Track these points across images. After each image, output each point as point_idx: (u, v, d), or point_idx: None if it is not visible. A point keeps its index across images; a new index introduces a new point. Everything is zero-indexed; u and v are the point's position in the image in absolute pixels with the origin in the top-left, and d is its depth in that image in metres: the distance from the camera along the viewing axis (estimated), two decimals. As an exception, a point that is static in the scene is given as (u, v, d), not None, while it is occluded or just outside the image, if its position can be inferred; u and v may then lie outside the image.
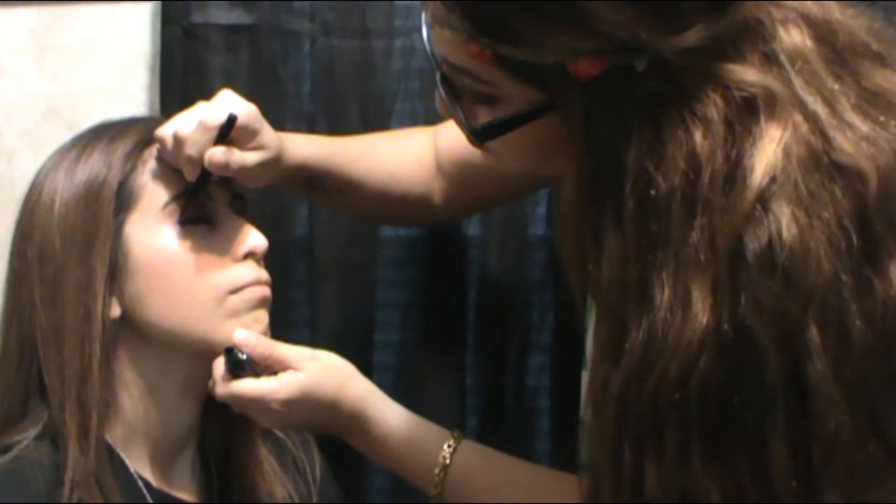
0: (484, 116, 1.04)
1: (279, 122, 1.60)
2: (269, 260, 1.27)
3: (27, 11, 1.66)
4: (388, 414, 1.23)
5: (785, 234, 0.91)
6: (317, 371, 1.21)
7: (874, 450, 0.94)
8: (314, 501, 1.37)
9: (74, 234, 1.20)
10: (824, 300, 0.92)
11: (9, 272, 1.25)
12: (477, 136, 1.05)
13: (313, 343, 1.33)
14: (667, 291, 0.93)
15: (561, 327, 1.56)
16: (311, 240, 1.61)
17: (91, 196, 1.21)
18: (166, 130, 1.22)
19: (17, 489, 1.17)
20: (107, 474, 1.18)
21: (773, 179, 0.93)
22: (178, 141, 1.20)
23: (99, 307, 1.19)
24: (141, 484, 1.24)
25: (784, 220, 0.92)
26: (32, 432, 1.20)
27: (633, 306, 0.95)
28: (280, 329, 1.28)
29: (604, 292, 0.98)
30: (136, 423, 1.24)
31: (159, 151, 1.24)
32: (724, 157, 0.94)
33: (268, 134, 1.26)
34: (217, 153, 1.20)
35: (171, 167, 1.24)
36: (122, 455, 1.23)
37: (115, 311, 1.21)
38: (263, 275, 1.26)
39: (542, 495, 1.20)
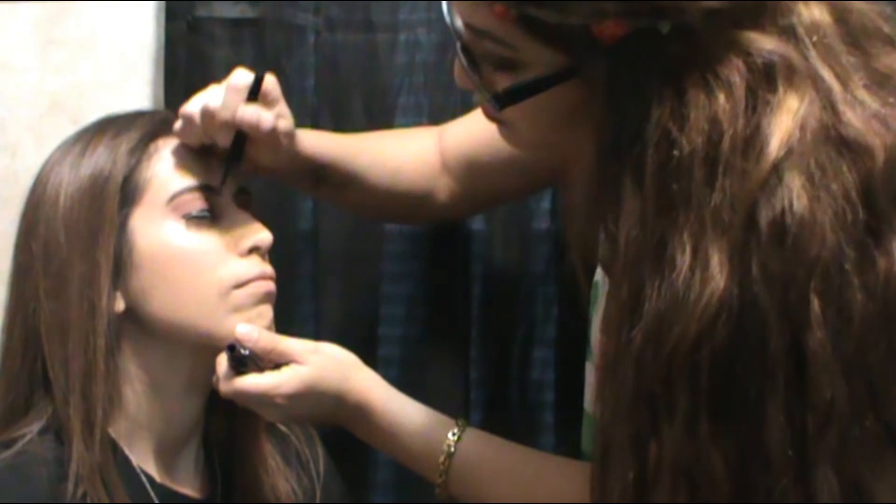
0: (504, 83, 1.04)
1: (283, 116, 1.60)
2: (273, 254, 1.27)
3: (31, 5, 1.65)
4: (393, 404, 1.23)
5: (796, 205, 0.92)
6: (320, 364, 1.21)
7: (870, 425, 0.95)
8: (317, 496, 1.37)
9: (79, 228, 1.20)
10: (827, 272, 0.93)
11: (13, 266, 1.25)
12: (498, 101, 1.05)
13: (318, 337, 1.33)
14: (687, 252, 0.94)
15: (565, 321, 1.56)
16: (315, 234, 1.60)
17: (96, 190, 1.21)
18: (192, 107, 1.22)
19: (21, 484, 1.17)
20: (111, 469, 1.19)
21: (789, 151, 0.94)
22: (209, 112, 1.20)
23: (103, 301, 1.19)
24: (144, 479, 1.24)
25: (795, 190, 0.93)
26: (36, 426, 1.20)
27: (651, 267, 0.96)
28: (284, 323, 1.28)
29: (622, 254, 0.98)
30: (139, 418, 1.24)
31: (180, 134, 1.23)
32: (744, 123, 0.95)
33: (286, 107, 1.27)
34: (249, 110, 1.20)
35: (177, 161, 1.24)
36: (126, 450, 1.23)
37: (120, 305, 1.21)
38: (268, 269, 1.26)
39: (548, 481, 1.21)
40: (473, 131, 1.40)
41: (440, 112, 1.58)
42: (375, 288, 1.60)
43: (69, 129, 1.30)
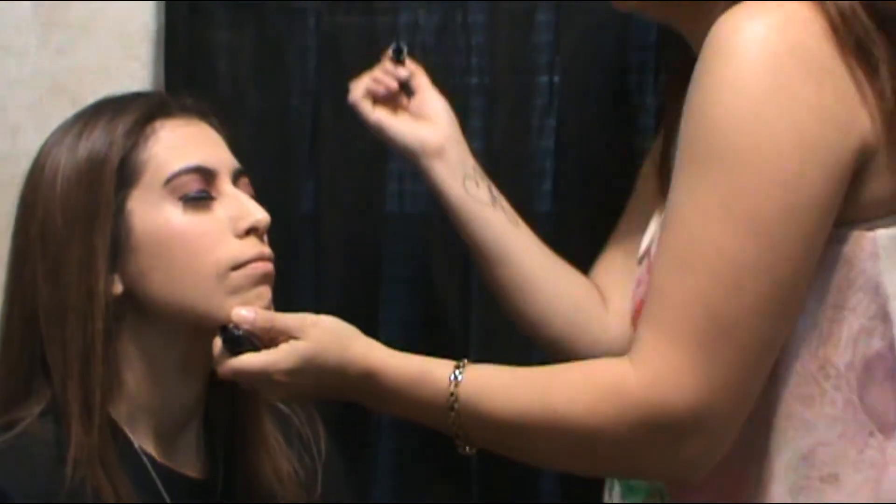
0: None
1: (284, 99, 1.61)
2: (274, 236, 1.27)
3: (31, -13, 1.66)
4: (394, 360, 1.20)
5: None
6: (318, 337, 1.19)
7: None
8: (319, 476, 1.37)
9: (76, 211, 1.20)
10: None
11: (11, 249, 1.25)
12: None
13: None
14: None
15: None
16: (316, 216, 1.61)
17: (93, 173, 1.21)
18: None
19: (22, 465, 1.18)
20: (110, 452, 1.19)
21: None
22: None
23: (101, 285, 1.19)
24: (145, 459, 1.24)
25: None
26: (37, 409, 1.21)
27: None
28: (285, 305, 1.27)
29: None
30: (139, 400, 1.24)
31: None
32: None
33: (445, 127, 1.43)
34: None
35: (174, 142, 1.24)
36: (127, 431, 1.24)
37: (118, 288, 1.21)
38: (266, 250, 1.25)
39: (560, 382, 1.17)
40: (613, 241, 1.46)
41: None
42: (376, 270, 1.60)
43: (69, 112, 1.30)
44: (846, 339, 1.13)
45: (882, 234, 1.13)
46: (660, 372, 1.09)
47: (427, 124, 1.43)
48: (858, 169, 1.11)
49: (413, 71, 1.45)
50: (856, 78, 1.11)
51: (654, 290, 1.13)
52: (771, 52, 1.08)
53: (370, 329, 1.53)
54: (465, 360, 1.19)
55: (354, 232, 1.61)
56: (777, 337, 1.11)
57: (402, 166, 1.59)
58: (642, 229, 1.37)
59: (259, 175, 1.33)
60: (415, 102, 1.45)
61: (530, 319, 1.44)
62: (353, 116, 1.59)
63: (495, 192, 1.43)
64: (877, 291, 1.12)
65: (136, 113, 1.24)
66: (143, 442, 1.25)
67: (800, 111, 1.08)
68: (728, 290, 1.08)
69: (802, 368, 1.13)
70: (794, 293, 1.10)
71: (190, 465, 1.30)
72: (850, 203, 1.11)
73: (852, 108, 1.10)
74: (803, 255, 1.09)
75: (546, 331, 1.44)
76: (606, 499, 1.34)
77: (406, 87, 1.44)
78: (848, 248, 1.12)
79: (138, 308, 1.22)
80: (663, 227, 1.14)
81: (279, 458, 1.34)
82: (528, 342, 1.58)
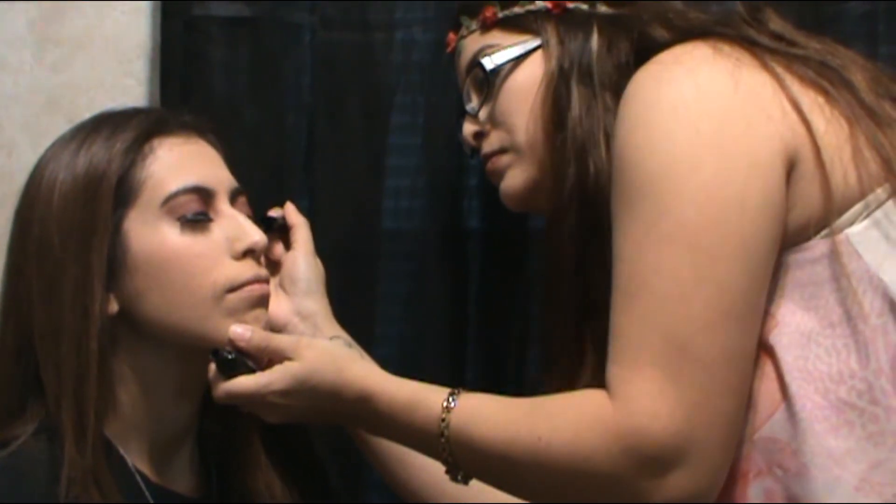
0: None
1: (279, 116, 1.61)
2: (270, 254, 1.27)
3: (26, 4, 1.65)
4: (390, 385, 1.20)
5: None
6: (312, 358, 1.19)
7: None
8: (313, 495, 1.37)
9: (73, 229, 1.20)
10: None
11: (7, 265, 1.25)
12: (493, 72, 1.30)
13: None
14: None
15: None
16: (312, 232, 1.60)
17: (90, 190, 1.20)
18: None
19: (16, 484, 1.17)
20: (104, 472, 1.18)
21: None
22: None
23: (97, 304, 1.18)
24: (139, 478, 1.24)
25: None
26: (31, 428, 1.20)
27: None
28: (281, 323, 1.28)
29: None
30: (134, 419, 1.24)
31: None
32: None
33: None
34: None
35: (173, 161, 1.23)
36: (121, 450, 1.23)
37: (114, 307, 1.21)
38: (262, 272, 1.25)
39: (546, 407, 1.16)
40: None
41: (437, 111, 1.58)
42: (372, 287, 1.60)
43: (65, 128, 1.30)
44: (864, 347, 1.09)
45: (851, 232, 1.11)
46: (634, 403, 1.07)
47: (280, 296, 1.34)
48: (789, 175, 1.10)
49: (296, 224, 1.37)
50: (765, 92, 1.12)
51: (612, 330, 1.12)
52: (679, 95, 1.11)
53: (366, 345, 1.54)
54: (461, 388, 1.18)
55: (350, 248, 1.61)
56: (739, 350, 1.09)
57: (398, 182, 1.59)
58: None
59: (254, 192, 1.32)
60: (286, 261, 1.36)
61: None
62: (348, 133, 1.60)
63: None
64: (874, 286, 1.10)
65: (135, 130, 1.23)
66: (137, 461, 1.25)
67: (711, 123, 1.09)
68: (675, 307, 1.07)
69: (827, 402, 1.09)
70: (745, 299, 1.09)
71: (183, 484, 1.29)
72: (799, 214, 1.11)
73: (767, 116, 1.11)
74: (744, 256, 1.08)
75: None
76: None
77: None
78: (825, 262, 1.11)
79: (134, 328, 1.22)
80: (612, 273, 1.14)
81: (272, 476, 1.33)
82: (524, 362, 1.58)
